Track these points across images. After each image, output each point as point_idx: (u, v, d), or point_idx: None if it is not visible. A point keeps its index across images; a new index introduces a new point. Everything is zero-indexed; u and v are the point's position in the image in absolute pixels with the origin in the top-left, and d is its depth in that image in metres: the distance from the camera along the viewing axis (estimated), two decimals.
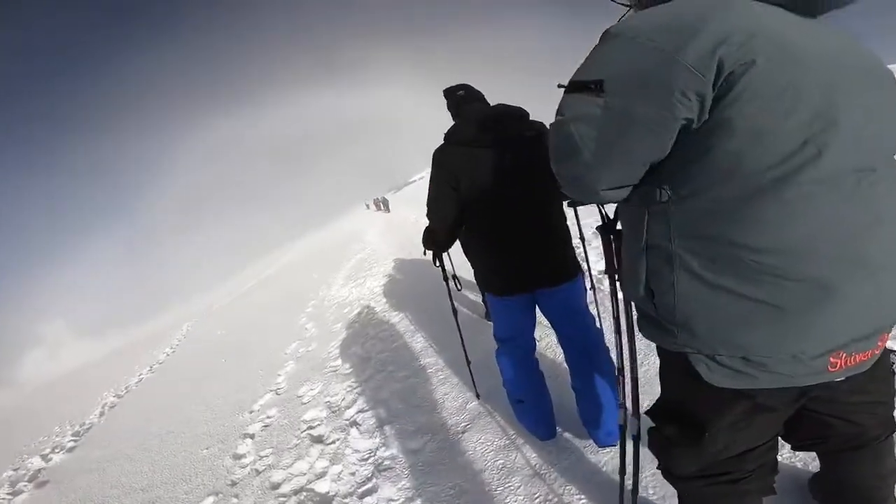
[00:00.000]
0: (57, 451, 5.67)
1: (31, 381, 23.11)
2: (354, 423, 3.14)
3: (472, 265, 2.18)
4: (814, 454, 1.59)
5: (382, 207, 30.38)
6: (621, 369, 1.43)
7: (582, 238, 2.92)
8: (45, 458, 5.52)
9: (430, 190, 2.02)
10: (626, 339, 1.34)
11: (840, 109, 0.73)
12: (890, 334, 0.89)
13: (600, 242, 1.27)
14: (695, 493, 1.12)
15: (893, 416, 1.08)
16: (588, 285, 2.65)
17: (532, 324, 2.15)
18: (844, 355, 0.83)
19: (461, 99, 2.06)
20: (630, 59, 0.79)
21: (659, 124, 0.78)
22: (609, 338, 2.00)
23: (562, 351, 2.18)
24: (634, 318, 1.13)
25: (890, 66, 0.86)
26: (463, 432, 2.62)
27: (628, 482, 1.44)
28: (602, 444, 2.10)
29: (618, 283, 1.27)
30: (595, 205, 1.15)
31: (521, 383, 2.20)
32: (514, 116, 1.92)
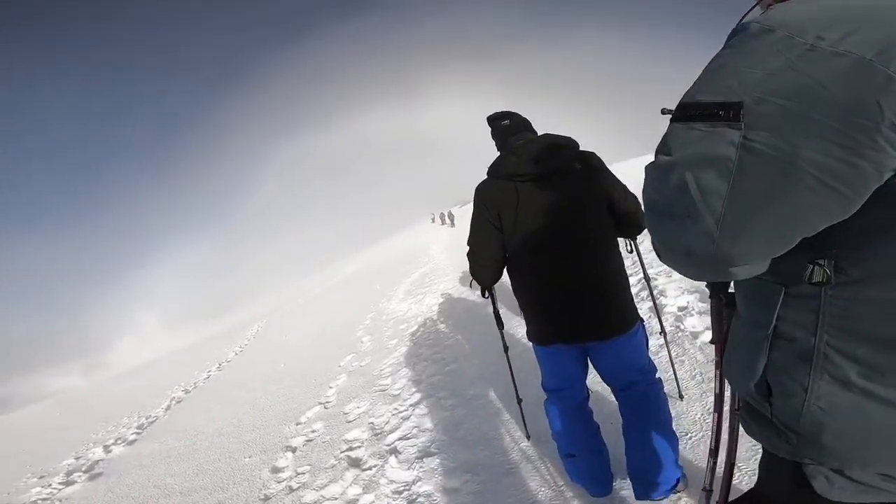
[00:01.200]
0: (119, 442, 5.96)
1: (120, 365, 25.36)
2: (394, 451, 2.93)
3: (522, 307, 1.90)
4: None
5: (448, 222, 30.54)
6: (714, 451, 1.10)
7: (647, 278, 2.57)
8: (106, 448, 5.82)
9: (471, 228, 1.87)
10: (726, 422, 1.01)
11: None
12: None
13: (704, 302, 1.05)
14: None
15: None
16: (658, 328, 2.55)
17: (583, 374, 1.91)
18: None
19: (505, 129, 1.88)
20: (793, 69, 0.51)
21: (847, 177, 0.49)
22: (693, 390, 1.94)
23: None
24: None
25: None
26: (506, 475, 2.33)
27: None
28: (594, 496, 1.93)
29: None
30: None
31: (571, 437, 1.91)
32: (561, 147, 1.74)
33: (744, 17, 0.65)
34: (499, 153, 1.88)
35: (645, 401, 1.77)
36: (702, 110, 0.57)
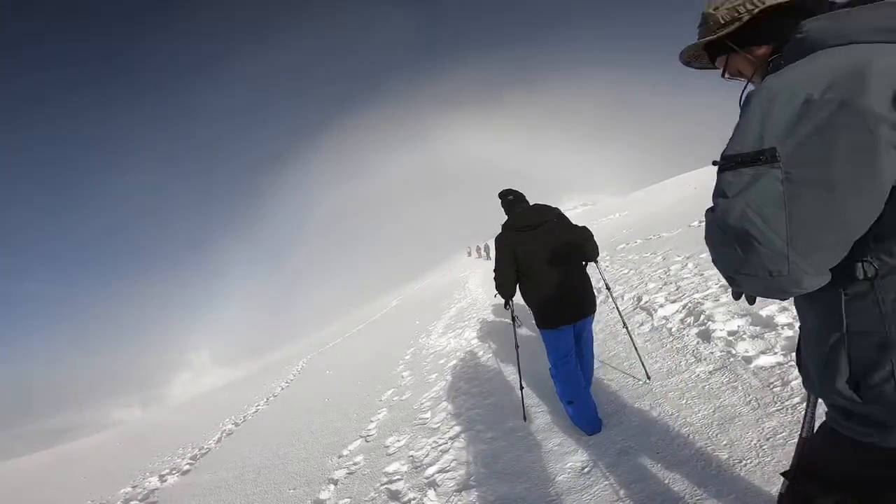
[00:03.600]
0: (174, 472, 6.19)
1: (175, 398, 26.36)
2: (433, 484, 2.93)
3: (531, 309, 3.00)
4: None
5: (484, 254, 30.66)
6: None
7: (607, 287, 3.72)
8: (161, 478, 6.05)
9: (496, 260, 3.03)
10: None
11: None
12: None
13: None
14: None
15: None
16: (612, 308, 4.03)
17: (575, 347, 2.93)
18: None
19: (510, 202, 3.10)
20: (804, 117, 0.68)
21: (868, 186, 0.66)
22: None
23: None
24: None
25: None
26: None
27: None
28: (591, 434, 2.76)
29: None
30: None
31: (571, 390, 2.87)
32: (543, 209, 3.00)
33: (744, 89, 0.89)
34: (507, 215, 3.07)
35: (590, 365, 3.08)
36: (745, 158, 0.72)
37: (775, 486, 1.84)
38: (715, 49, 0.98)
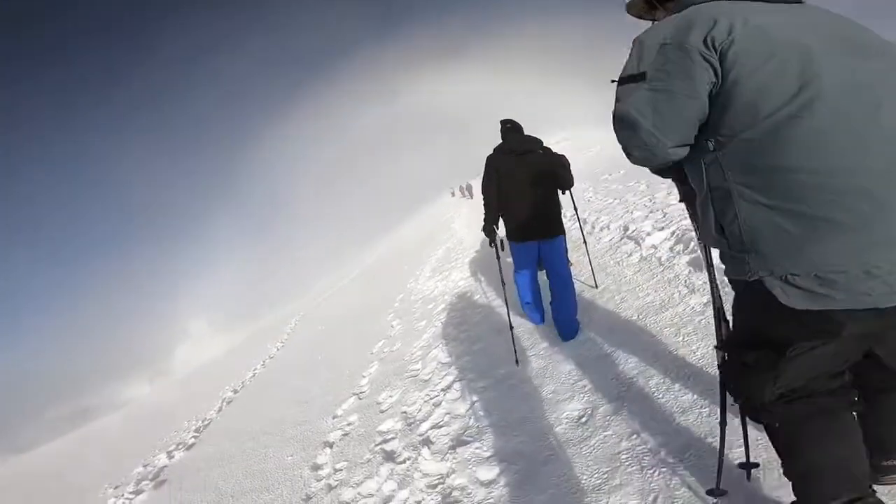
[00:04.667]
0: (180, 447, 6.18)
1: (179, 371, 26.68)
2: (427, 442, 2.82)
3: (504, 223, 3.36)
4: None
5: (467, 194, 30.25)
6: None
7: (576, 209, 4.47)
8: (169, 455, 6.05)
9: (483, 177, 3.36)
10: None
11: (821, 65, 0.91)
12: None
13: None
14: (779, 418, 1.12)
15: None
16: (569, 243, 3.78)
17: (536, 261, 3.39)
18: None
19: (507, 129, 3.36)
20: (659, 53, 1.04)
21: (693, 91, 1.00)
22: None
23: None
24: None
25: None
26: (544, 463, 2.16)
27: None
28: (565, 339, 3.19)
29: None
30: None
31: (529, 292, 3.49)
32: (531, 140, 3.35)
33: (647, 30, 1.12)
34: (502, 139, 3.37)
35: (565, 281, 3.21)
36: (630, 78, 1.08)
37: None
38: (650, 4, 1.29)
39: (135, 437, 9.58)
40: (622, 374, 2.51)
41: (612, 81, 1.15)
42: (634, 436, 2.04)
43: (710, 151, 1.03)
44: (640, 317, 3.00)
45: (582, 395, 2.50)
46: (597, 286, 3.76)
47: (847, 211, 0.87)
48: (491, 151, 3.34)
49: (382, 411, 3.65)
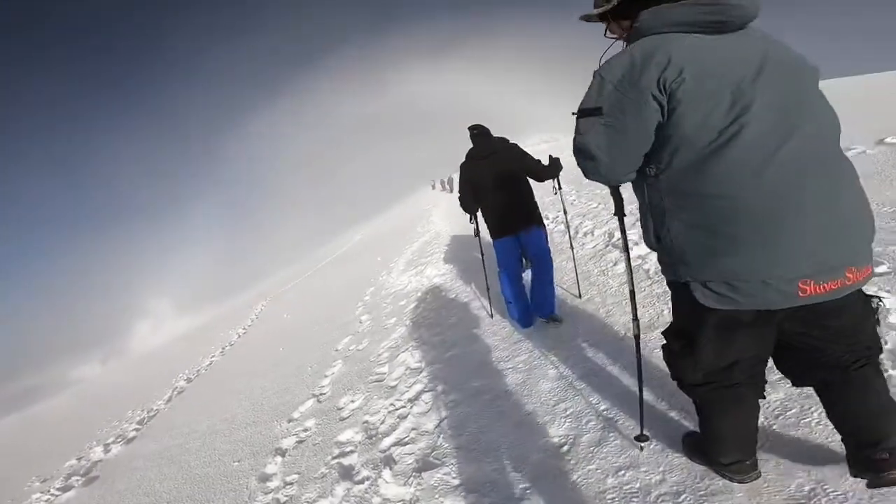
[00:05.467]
0: (119, 441, 5.72)
1: (136, 352, 25.54)
2: (390, 460, 2.53)
3: (485, 224, 3.44)
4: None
5: (447, 187, 30.03)
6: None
7: (564, 210, 4.22)
8: (106, 448, 5.58)
9: (459, 184, 3.52)
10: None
11: (751, 98, 1.06)
12: (863, 271, 1.11)
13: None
14: (702, 396, 1.43)
15: (868, 347, 1.25)
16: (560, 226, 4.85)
17: (519, 257, 3.37)
18: (813, 283, 1.07)
19: (474, 136, 3.38)
20: (613, 91, 1.18)
21: (642, 128, 1.17)
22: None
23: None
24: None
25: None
26: (520, 499, 1.90)
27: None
28: (542, 316, 3.30)
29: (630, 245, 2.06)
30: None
31: (512, 291, 3.37)
32: (494, 141, 3.39)
33: (604, 53, 1.34)
34: (472, 145, 3.41)
35: (545, 267, 3.26)
36: (588, 112, 1.26)
37: (795, 479, 1.49)
38: (601, 16, 1.39)
39: (75, 424, 8.97)
40: (608, 398, 2.28)
41: (573, 114, 1.32)
42: (622, 472, 1.80)
43: (651, 175, 1.23)
44: (627, 333, 2.78)
45: (563, 420, 2.25)
46: (580, 296, 3.61)
47: (751, 232, 1.07)
48: (464, 158, 3.50)
49: (343, 419, 3.34)
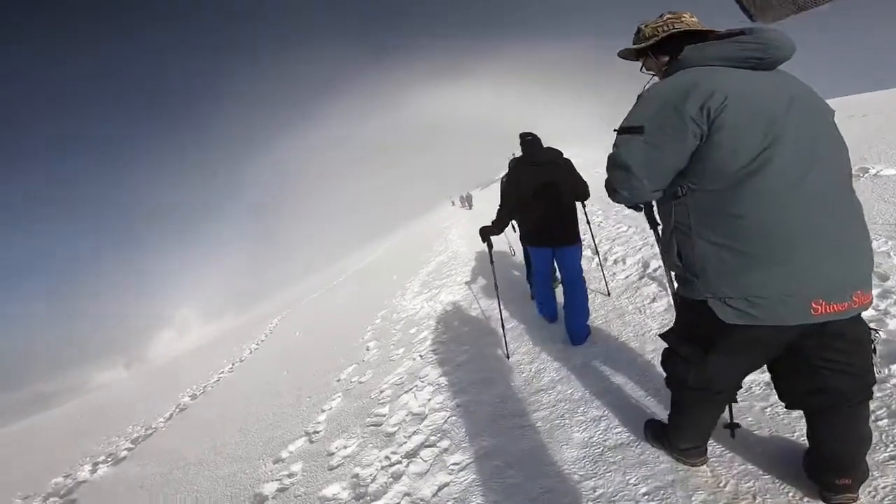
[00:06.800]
0: (108, 461, 5.43)
1: (157, 359, 25.75)
2: None
3: (520, 228, 3.55)
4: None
5: (466, 204, 29.75)
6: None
7: (588, 223, 4.34)
8: (94, 467, 5.30)
9: (504, 184, 3.59)
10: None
11: (782, 130, 1.16)
12: (867, 296, 1.20)
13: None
14: (688, 398, 1.57)
15: (867, 380, 1.31)
16: (587, 251, 4.74)
17: (551, 263, 3.46)
18: (825, 303, 1.15)
19: (527, 142, 3.41)
20: (657, 113, 1.25)
21: (680, 150, 1.24)
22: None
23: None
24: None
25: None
26: None
27: None
28: (575, 344, 3.21)
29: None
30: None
31: (543, 294, 3.67)
32: (552, 151, 3.42)
33: (648, 83, 1.43)
34: (522, 151, 3.44)
35: (578, 290, 3.22)
36: (630, 129, 1.31)
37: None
38: (640, 52, 1.50)
39: (76, 436, 8.77)
40: (647, 478, 1.79)
41: (615, 130, 1.38)
42: None
43: (681, 196, 1.30)
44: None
45: None
46: (609, 294, 3.91)
47: (774, 251, 1.16)
48: (512, 160, 3.57)
49: (331, 468, 2.91)
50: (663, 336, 1.58)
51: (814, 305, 1.14)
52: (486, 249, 3.65)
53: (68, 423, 11.42)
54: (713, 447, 1.84)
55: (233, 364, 9.59)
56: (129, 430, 7.01)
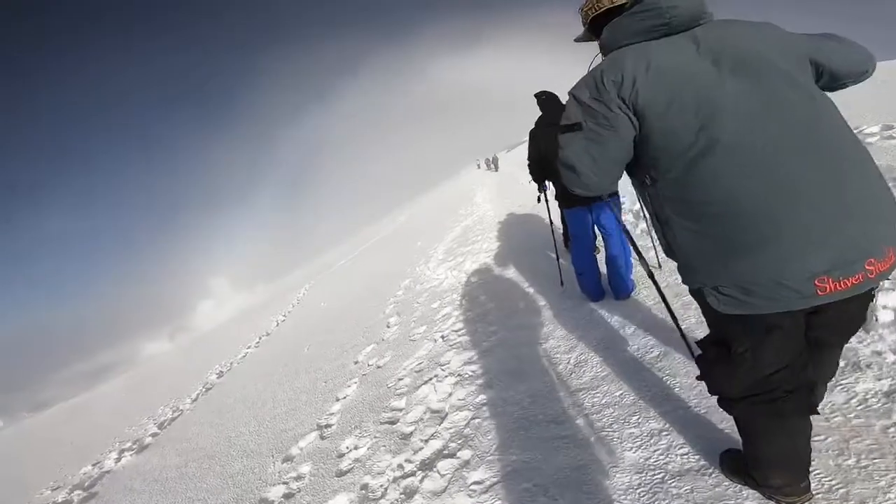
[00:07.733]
0: (133, 448, 5.40)
1: (198, 329, 26.66)
2: None
3: (555, 192, 3.39)
4: None
5: (492, 167, 28.90)
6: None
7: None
8: (119, 456, 5.24)
9: (529, 147, 3.55)
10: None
11: (719, 96, 1.02)
12: (887, 260, 0.96)
13: None
14: (742, 412, 1.28)
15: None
16: (628, 216, 4.64)
17: (590, 226, 3.18)
18: (832, 281, 0.95)
19: (543, 101, 3.41)
20: (588, 107, 1.17)
21: (620, 141, 1.14)
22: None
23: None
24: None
25: None
26: None
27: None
28: (618, 298, 3.16)
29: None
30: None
31: (583, 262, 3.29)
32: None
33: (591, 61, 1.34)
34: (540, 111, 3.42)
35: (618, 241, 3.09)
36: (569, 128, 1.22)
37: None
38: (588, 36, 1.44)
39: (113, 415, 8.98)
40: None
41: (558, 128, 1.31)
42: None
43: (649, 186, 1.16)
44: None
45: None
46: (660, 266, 3.45)
47: (751, 234, 0.99)
48: (532, 125, 3.46)
49: (341, 473, 2.57)
50: (700, 344, 1.34)
51: (818, 285, 0.96)
52: (538, 191, 3.82)
53: (109, 401, 11.82)
54: (819, 479, 1.41)
55: (259, 338, 9.53)
56: (158, 412, 7.03)
